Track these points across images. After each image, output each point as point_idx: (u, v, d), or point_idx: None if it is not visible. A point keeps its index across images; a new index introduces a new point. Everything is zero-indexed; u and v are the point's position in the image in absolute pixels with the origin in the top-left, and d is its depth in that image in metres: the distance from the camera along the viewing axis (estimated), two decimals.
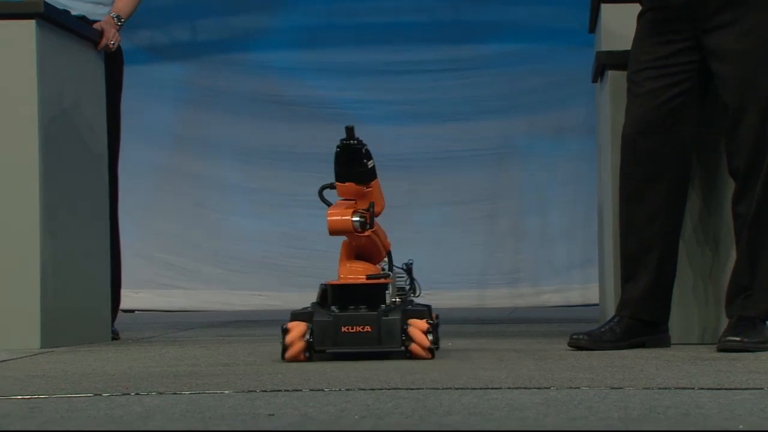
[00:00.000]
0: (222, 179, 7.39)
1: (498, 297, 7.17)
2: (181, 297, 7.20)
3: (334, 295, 2.85)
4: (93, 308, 3.72)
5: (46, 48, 3.46)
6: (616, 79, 3.35)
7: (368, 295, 2.85)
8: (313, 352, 2.82)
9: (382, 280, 2.87)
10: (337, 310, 2.82)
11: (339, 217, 2.83)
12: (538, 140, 7.35)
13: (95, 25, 3.82)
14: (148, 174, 7.24)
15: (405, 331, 2.81)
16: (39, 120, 3.40)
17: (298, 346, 2.79)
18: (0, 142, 3.39)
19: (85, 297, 3.66)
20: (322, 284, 2.91)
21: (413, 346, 2.81)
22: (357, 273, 2.87)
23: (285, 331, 2.81)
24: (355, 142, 2.89)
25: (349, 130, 2.89)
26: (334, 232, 2.85)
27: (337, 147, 2.90)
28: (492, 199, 7.32)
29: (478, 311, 6.62)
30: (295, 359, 2.80)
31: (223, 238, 7.34)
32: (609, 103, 3.39)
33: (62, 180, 3.53)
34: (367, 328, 2.79)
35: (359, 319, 2.80)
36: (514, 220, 7.29)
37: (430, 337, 2.82)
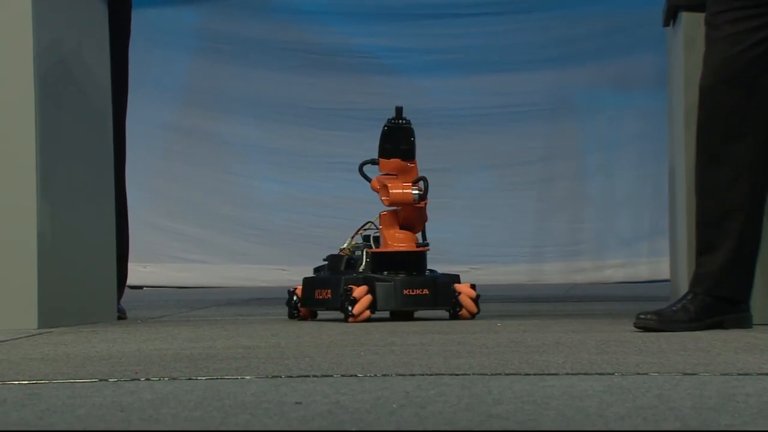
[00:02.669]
0: (241, 139, 7.42)
1: (554, 272, 7.16)
2: (195, 271, 7.25)
3: (379, 260, 3.59)
4: (97, 284, 3.75)
5: None
6: (691, 22, 3.31)
7: (412, 261, 3.58)
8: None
9: (424, 249, 3.61)
10: (387, 275, 3.56)
11: (401, 190, 3.58)
12: (599, 93, 7.31)
13: None
14: (158, 133, 7.27)
15: (454, 291, 3.59)
16: (35, 71, 3.41)
17: (366, 305, 3.50)
18: None
19: (88, 271, 3.69)
20: (331, 255, 3.69)
21: (464, 300, 3.57)
22: (400, 241, 3.60)
23: (350, 293, 3.51)
24: (404, 121, 3.61)
25: (399, 110, 3.60)
26: (394, 203, 3.60)
27: (385, 126, 3.62)
28: (547, 161, 7.30)
29: (532, 288, 6.62)
30: (361, 318, 3.50)
31: (242, 206, 7.38)
32: (683, 49, 3.35)
33: (61, 139, 3.55)
34: (426, 291, 3.55)
35: (419, 283, 3.55)
36: (573, 185, 7.26)
37: (476, 295, 3.60)
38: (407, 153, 3.62)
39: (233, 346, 2.75)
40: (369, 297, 3.52)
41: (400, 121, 3.61)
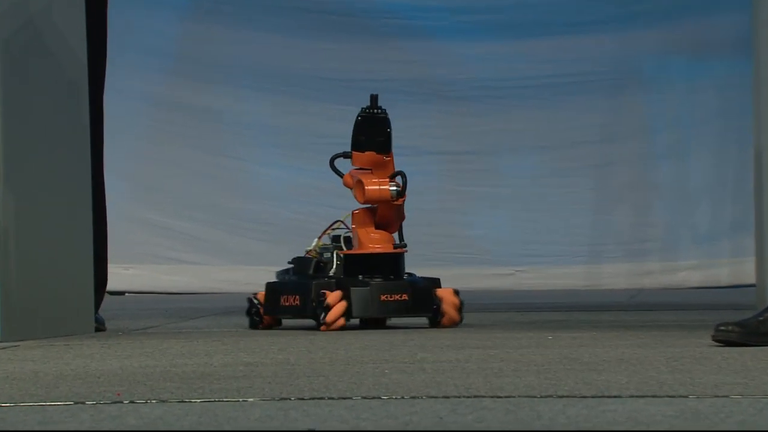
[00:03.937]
0: (239, 116, 7.43)
1: (616, 275, 7.15)
2: (187, 274, 7.27)
3: (352, 263, 3.80)
4: (71, 290, 3.77)
5: None
6: None
7: (389, 264, 3.81)
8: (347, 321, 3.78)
9: (402, 250, 3.84)
10: (362, 279, 3.77)
11: (378, 186, 3.80)
12: (671, 61, 7.29)
13: None
14: (142, 109, 7.29)
15: (435, 298, 3.81)
16: None
17: (340, 312, 3.71)
18: None
19: (61, 275, 3.71)
20: (296, 257, 3.96)
21: (447, 308, 3.77)
22: (376, 242, 3.82)
23: (323, 299, 3.71)
24: (379, 110, 3.84)
25: (374, 99, 3.82)
26: (370, 200, 3.83)
27: (359, 116, 3.85)
28: (608, 141, 7.28)
29: (589, 294, 6.62)
30: (335, 327, 3.70)
31: (242, 196, 7.39)
32: None
33: (28, 118, 3.57)
34: (404, 296, 3.79)
35: (397, 288, 3.76)
36: (638, 170, 7.25)
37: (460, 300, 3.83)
38: (383, 145, 3.86)
39: (233, 363, 2.77)
40: (344, 303, 3.73)
41: (376, 110, 3.84)
